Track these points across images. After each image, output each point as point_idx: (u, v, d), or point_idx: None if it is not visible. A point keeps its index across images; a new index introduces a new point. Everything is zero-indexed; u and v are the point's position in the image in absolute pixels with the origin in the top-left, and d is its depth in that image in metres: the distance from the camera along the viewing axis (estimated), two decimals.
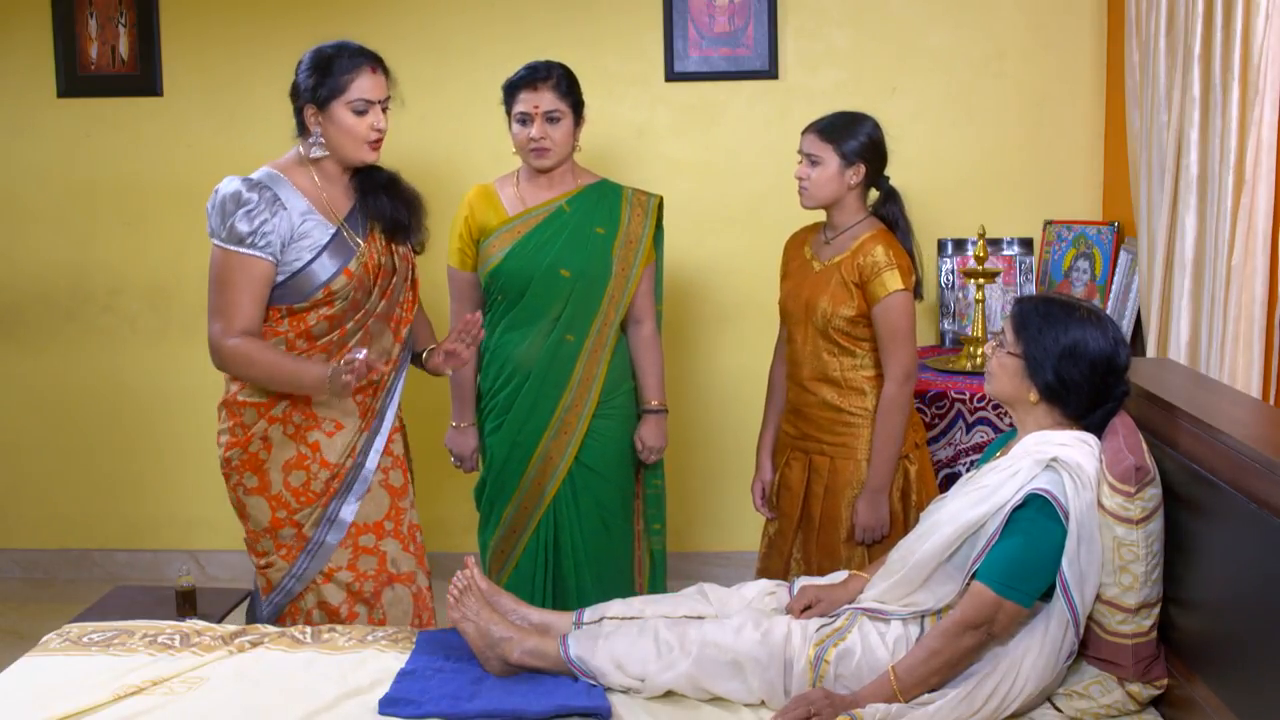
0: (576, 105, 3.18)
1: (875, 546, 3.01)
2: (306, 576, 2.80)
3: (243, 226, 2.66)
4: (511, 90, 3.18)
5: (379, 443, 2.84)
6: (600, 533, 3.29)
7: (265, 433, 2.76)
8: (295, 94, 2.78)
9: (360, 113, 2.73)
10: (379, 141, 2.78)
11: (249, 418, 2.76)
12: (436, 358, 2.96)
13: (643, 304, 3.31)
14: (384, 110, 2.78)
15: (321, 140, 2.75)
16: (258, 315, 2.71)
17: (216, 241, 2.70)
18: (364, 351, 2.61)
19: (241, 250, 2.67)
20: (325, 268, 2.72)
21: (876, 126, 3.05)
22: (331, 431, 2.78)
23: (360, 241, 2.78)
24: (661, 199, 3.34)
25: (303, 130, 2.79)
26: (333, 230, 2.74)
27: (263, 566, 2.83)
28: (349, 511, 2.80)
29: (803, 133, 3.06)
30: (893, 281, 2.95)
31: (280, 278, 2.72)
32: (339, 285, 2.73)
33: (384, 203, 2.83)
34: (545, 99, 3.13)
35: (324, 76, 2.72)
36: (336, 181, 2.80)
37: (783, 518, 3.18)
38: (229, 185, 2.71)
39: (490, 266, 3.21)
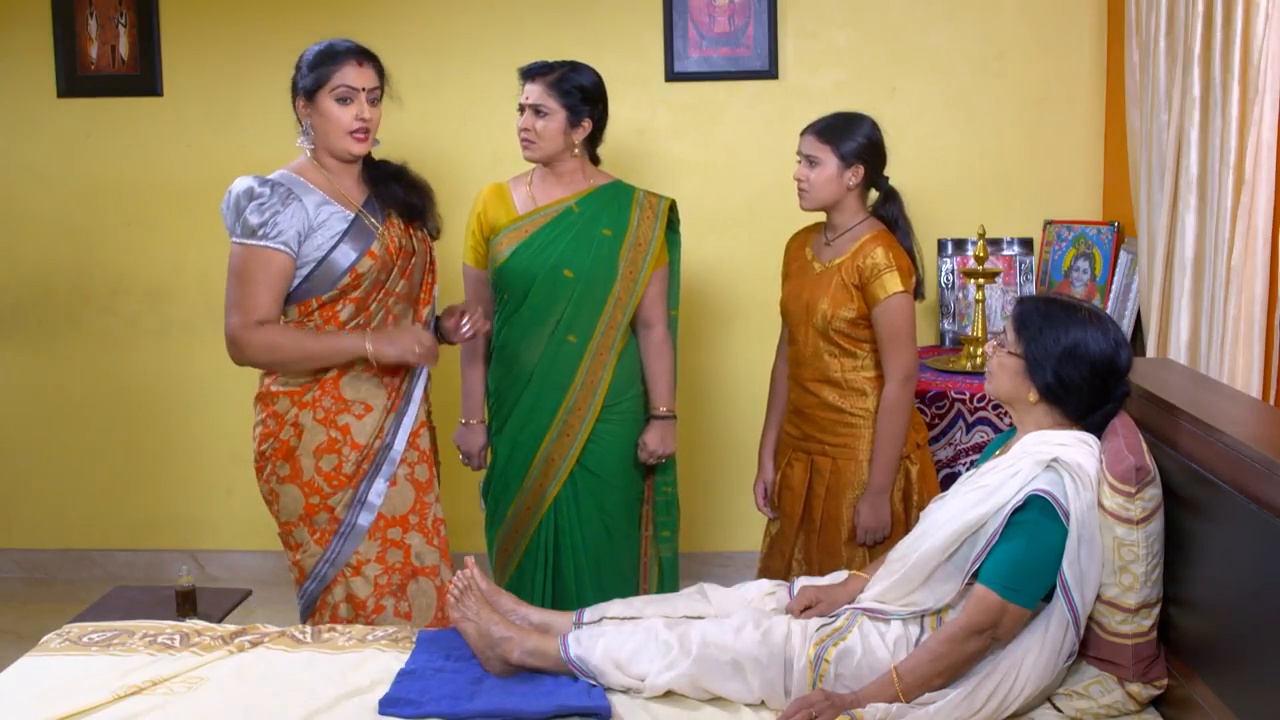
0: (574, 107, 3.16)
1: (877, 547, 3.01)
2: (339, 561, 2.83)
3: (254, 219, 2.72)
4: (520, 80, 3.21)
5: (406, 424, 2.88)
6: (602, 537, 3.28)
7: (297, 419, 2.80)
8: (291, 92, 2.85)
9: (343, 101, 2.78)
10: (364, 132, 2.81)
11: (282, 406, 2.81)
12: (450, 319, 2.99)
13: (652, 307, 3.28)
14: (372, 103, 2.82)
15: (310, 132, 2.82)
16: (275, 308, 2.76)
17: (234, 238, 2.76)
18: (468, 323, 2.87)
19: (254, 243, 2.73)
20: (347, 252, 2.77)
21: (875, 127, 3.05)
22: (361, 414, 2.82)
23: (379, 224, 2.84)
24: (673, 202, 3.32)
25: (301, 128, 2.86)
26: (351, 216, 2.80)
27: (297, 558, 2.86)
28: (377, 493, 2.84)
29: (801, 134, 3.06)
30: (892, 283, 2.95)
31: (305, 270, 2.77)
32: (365, 268, 2.79)
33: (395, 189, 2.91)
34: (535, 93, 3.15)
35: (310, 68, 2.80)
36: (346, 175, 2.87)
37: (784, 518, 3.18)
38: (241, 183, 2.77)
39: (496, 265, 3.22)
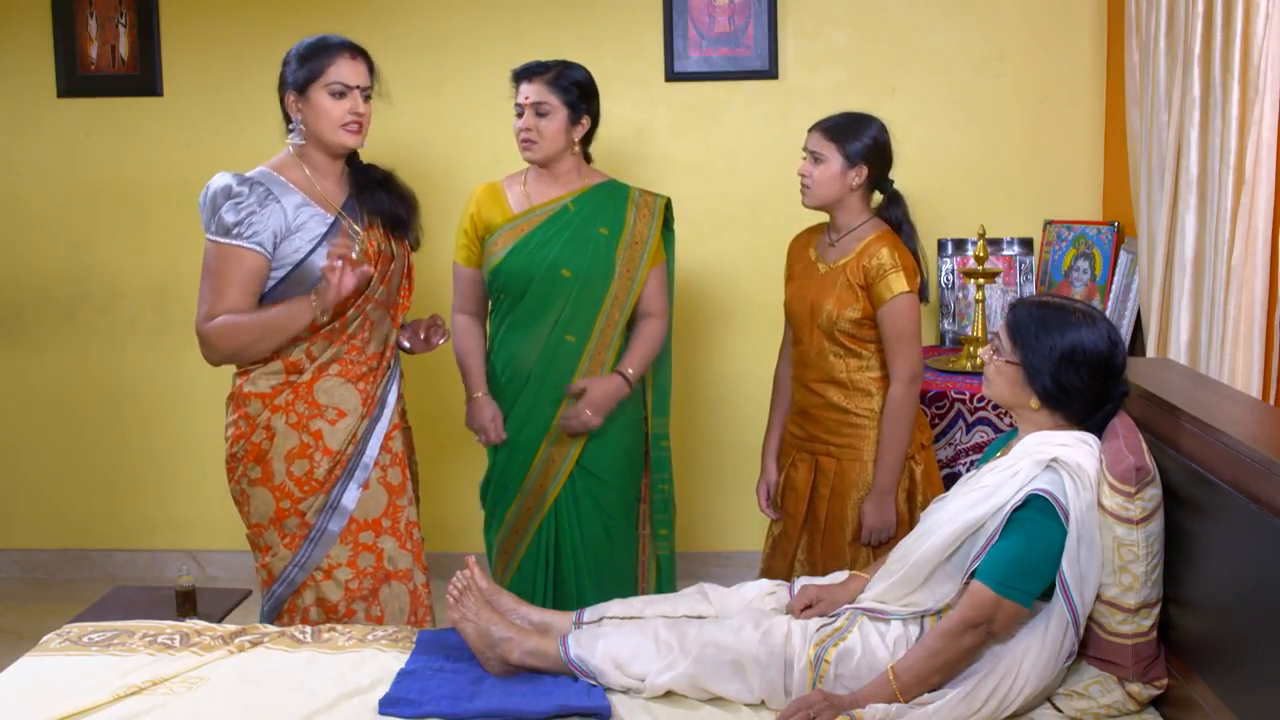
0: (573, 104, 3.16)
1: (881, 548, 3.01)
2: (309, 565, 2.81)
3: (229, 217, 2.71)
4: (514, 82, 3.21)
5: (380, 429, 2.86)
6: (601, 537, 3.28)
7: (269, 422, 2.78)
8: (280, 86, 2.84)
9: (337, 95, 2.78)
10: (357, 126, 2.81)
11: (253, 408, 2.79)
12: (403, 335, 2.99)
13: (651, 300, 3.27)
14: (365, 99, 2.83)
15: (301, 127, 2.80)
16: (245, 305, 2.73)
17: (208, 235, 2.74)
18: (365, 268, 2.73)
19: (229, 241, 2.71)
20: (325, 256, 2.75)
21: (883, 129, 3.04)
22: (334, 420, 2.80)
23: (359, 229, 2.82)
24: (669, 200, 3.32)
25: (289, 125, 2.84)
26: (331, 219, 2.78)
27: (265, 561, 2.84)
28: (350, 499, 2.82)
29: (809, 130, 3.06)
30: (898, 284, 2.95)
31: (281, 272, 2.75)
32: None
33: (381, 198, 2.89)
34: (535, 91, 3.14)
35: (302, 62, 2.79)
36: (329, 174, 2.84)
37: (788, 519, 3.18)
38: (219, 180, 2.76)
39: (492, 265, 3.21)
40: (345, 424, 2.81)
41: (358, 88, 2.80)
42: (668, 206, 3.31)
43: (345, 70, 2.78)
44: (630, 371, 3.22)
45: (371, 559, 2.86)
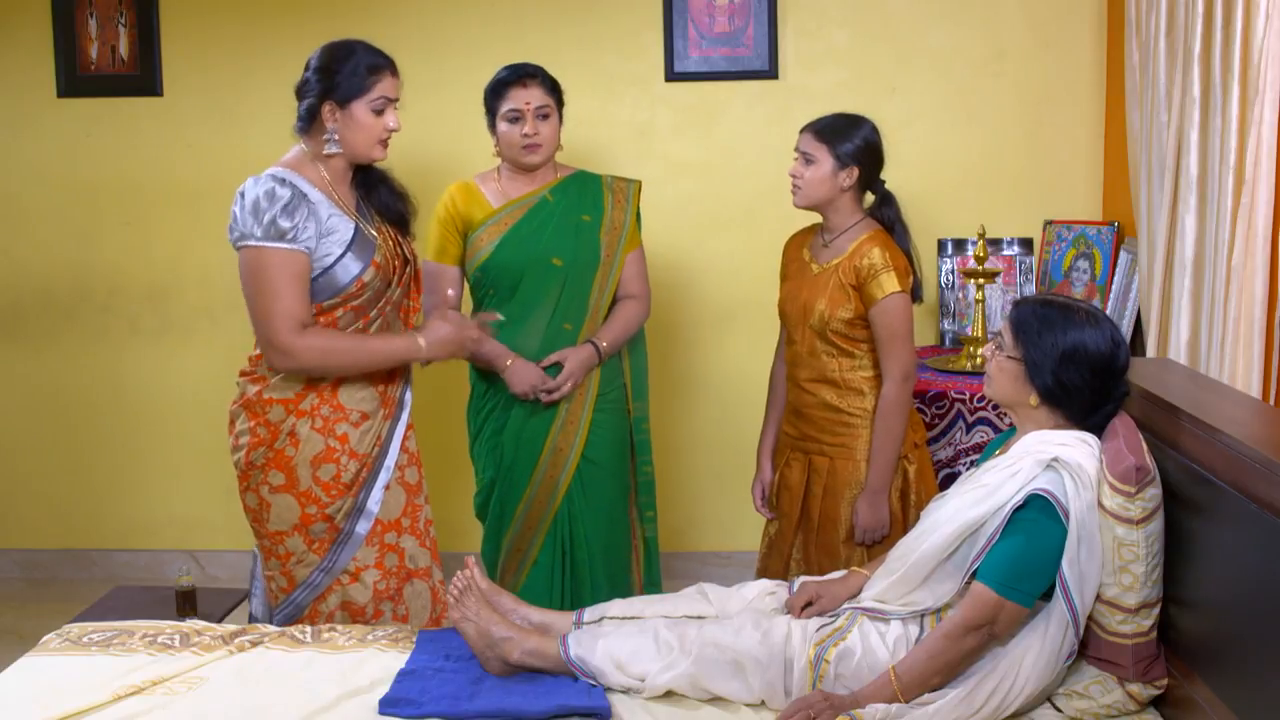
0: (560, 103, 3.25)
1: (875, 547, 3.01)
2: (336, 569, 2.79)
3: (285, 222, 2.65)
4: (499, 90, 3.22)
5: (400, 430, 2.87)
6: (606, 526, 3.32)
7: (293, 428, 2.75)
8: (307, 90, 2.77)
9: (379, 112, 2.77)
10: (388, 141, 2.81)
11: (276, 415, 2.75)
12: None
13: (633, 283, 3.34)
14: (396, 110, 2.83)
15: (336, 137, 2.76)
16: (309, 307, 2.70)
17: (250, 243, 2.66)
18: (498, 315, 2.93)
19: (283, 246, 2.65)
20: (354, 261, 2.74)
21: (874, 130, 3.05)
22: (358, 422, 2.79)
23: (374, 234, 2.82)
24: (640, 184, 3.38)
25: (307, 127, 2.79)
26: (353, 225, 2.77)
27: (285, 568, 2.80)
28: (375, 500, 2.81)
29: (800, 131, 3.06)
30: (889, 283, 2.96)
31: (311, 275, 2.71)
32: (369, 277, 2.76)
33: (386, 196, 2.89)
34: (535, 95, 3.17)
35: (347, 75, 2.74)
36: (342, 179, 2.83)
37: (783, 518, 3.19)
38: (261, 184, 2.68)
39: (480, 260, 3.22)
40: (369, 426, 2.81)
41: (394, 102, 2.80)
42: (638, 190, 3.36)
43: (389, 86, 2.77)
44: (604, 344, 3.27)
45: (396, 559, 2.85)
